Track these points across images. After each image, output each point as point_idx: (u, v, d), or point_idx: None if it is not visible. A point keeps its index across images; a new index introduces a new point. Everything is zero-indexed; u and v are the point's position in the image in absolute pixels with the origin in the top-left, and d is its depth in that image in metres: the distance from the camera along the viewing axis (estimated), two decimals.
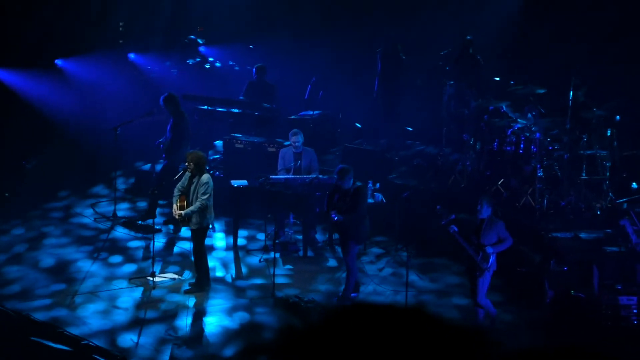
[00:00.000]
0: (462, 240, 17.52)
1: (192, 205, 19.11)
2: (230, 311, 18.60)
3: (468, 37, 26.25)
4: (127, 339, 17.51)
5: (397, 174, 24.52)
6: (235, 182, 21.51)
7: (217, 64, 28.73)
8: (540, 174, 21.94)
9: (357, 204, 18.86)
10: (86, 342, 17.13)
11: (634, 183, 21.52)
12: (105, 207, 23.76)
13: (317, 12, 27.41)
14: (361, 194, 19.09)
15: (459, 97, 24.99)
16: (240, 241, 21.55)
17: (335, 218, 19.20)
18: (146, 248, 21.14)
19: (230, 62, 28.01)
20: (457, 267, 19.86)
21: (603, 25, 24.88)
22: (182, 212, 19.08)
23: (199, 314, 18.69)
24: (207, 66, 28.47)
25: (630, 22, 24.84)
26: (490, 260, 17.28)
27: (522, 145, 22.43)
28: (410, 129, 25.76)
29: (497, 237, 17.41)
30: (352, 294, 19.14)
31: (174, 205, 19.38)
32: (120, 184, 24.57)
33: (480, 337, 2.41)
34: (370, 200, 20.35)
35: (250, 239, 21.97)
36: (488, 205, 17.58)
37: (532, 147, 22.34)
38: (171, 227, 21.81)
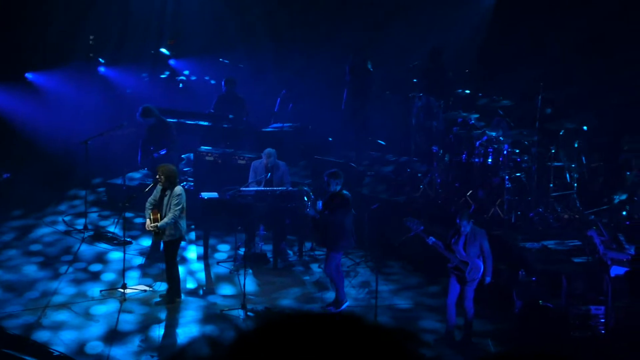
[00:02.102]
0: (445, 251, 17.72)
1: (164, 218, 19.12)
2: (201, 322, 18.60)
3: (436, 46, 26.32)
4: (100, 350, 17.49)
5: (366, 185, 24.53)
6: (206, 195, 21.43)
7: (189, 77, 28.57)
8: (509, 185, 21.99)
9: (332, 209, 18.86)
10: (58, 353, 17.28)
11: (616, 196, 21.36)
12: (77, 219, 23.63)
13: (287, 26, 27.38)
14: (338, 201, 19.00)
15: (428, 110, 24.92)
16: (211, 253, 21.50)
17: (308, 211, 19.51)
18: (117, 260, 20.96)
19: (206, 77, 27.87)
20: (431, 280, 20.05)
21: (572, 40, 24.94)
22: (158, 224, 19.02)
23: (171, 325, 18.67)
24: (182, 79, 28.36)
25: (599, 37, 24.89)
26: (480, 271, 17.60)
27: (490, 157, 22.48)
28: (380, 141, 25.83)
29: (480, 246, 17.64)
30: (329, 308, 19.07)
31: (147, 219, 19.32)
32: (90, 196, 24.48)
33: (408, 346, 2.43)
34: (311, 211, 20.04)
35: (221, 250, 21.91)
36: (467, 220, 17.72)
37: (500, 158, 22.38)
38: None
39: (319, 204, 19.37)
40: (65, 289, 19.93)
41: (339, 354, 2.28)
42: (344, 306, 19.00)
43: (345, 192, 19.18)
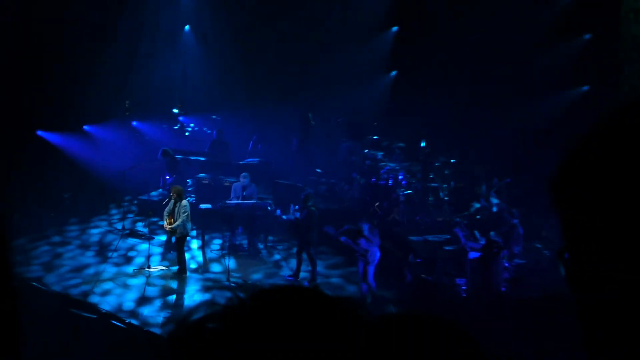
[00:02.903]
0: (353, 245, 17.66)
1: (176, 221, 19.10)
2: (199, 291, 18.34)
3: (354, 113, 26.19)
4: (132, 309, 17.36)
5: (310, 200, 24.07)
6: (203, 206, 21.27)
7: (192, 128, 28.25)
8: (402, 199, 21.99)
9: (308, 216, 18.78)
10: (105, 311, 17.14)
11: (475, 203, 21.30)
12: (117, 223, 23.27)
13: (257, 91, 26.83)
14: (311, 212, 18.89)
15: (350, 149, 24.89)
16: (206, 244, 21.15)
17: (289, 216, 19.71)
18: (144, 250, 20.70)
19: (204, 128, 27.43)
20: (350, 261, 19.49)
21: (439, 106, 24.73)
22: (172, 226, 18.96)
23: (180, 293, 18.45)
24: (188, 129, 27.94)
25: (461, 104, 24.92)
26: (376, 256, 17.52)
27: (390, 180, 22.42)
28: (318, 169, 25.44)
29: (376, 239, 17.59)
30: (289, 277, 18.93)
31: (165, 222, 19.27)
32: (127, 207, 24.14)
33: (357, 307, 2.30)
34: (291, 217, 20.01)
35: (213, 243, 21.53)
36: (365, 222, 17.80)
37: (394, 181, 22.41)
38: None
39: (297, 214, 19.34)
40: (109, 269, 19.70)
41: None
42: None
43: (313, 207, 19.04)
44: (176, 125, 28.12)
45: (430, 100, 24.88)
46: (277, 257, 21.01)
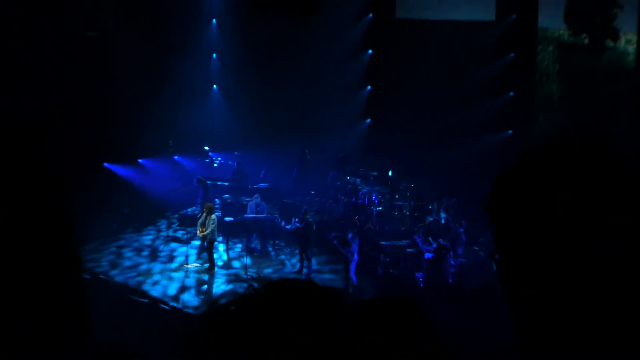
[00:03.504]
0: (340, 248, 17.63)
1: (207, 230, 19.00)
2: (224, 282, 18.15)
3: (339, 150, 25.81)
4: (174, 295, 17.28)
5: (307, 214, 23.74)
6: (227, 218, 20.97)
7: (219, 162, 28.03)
8: (375, 213, 21.80)
9: (307, 226, 18.71)
10: (154, 297, 16.99)
11: (429, 217, 21.06)
12: (163, 231, 23.12)
13: (268, 136, 26.50)
14: (309, 222, 18.85)
15: (336, 177, 24.60)
16: (230, 247, 20.81)
17: (291, 226, 19.34)
18: (183, 251, 20.47)
19: (229, 162, 27.05)
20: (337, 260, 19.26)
21: (410, 137, 24.38)
22: (204, 233, 18.84)
23: (209, 284, 18.25)
24: (216, 162, 27.77)
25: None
26: (355, 256, 17.44)
27: (366, 200, 22.16)
28: (312, 191, 25.17)
29: (356, 244, 17.52)
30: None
31: (198, 230, 19.20)
32: (170, 219, 24.01)
33: (341, 294, 2.17)
34: (293, 227, 19.72)
35: (234, 246, 21.19)
36: (350, 232, 17.85)
37: (371, 200, 22.21)
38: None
39: (298, 224, 19.13)
40: (157, 265, 19.56)
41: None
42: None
43: (310, 219, 18.98)
44: (207, 159, 27.86)
45: (395, 140, 24.68)
46: (282, 257, 20.72)
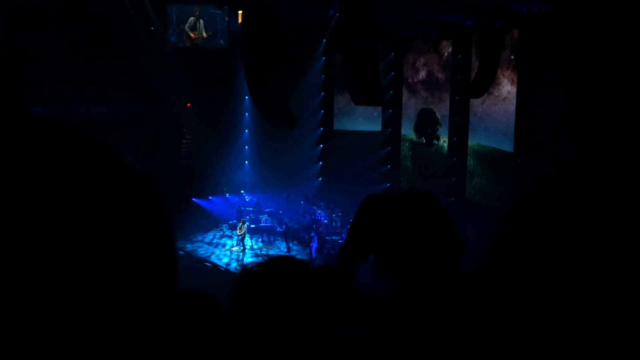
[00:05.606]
0: (308, 240, 19.95)
1: (242, 231, 20.75)
2: (251, 257, 20.06)
3: (291, 195, 24.63)
4: (225, 263, 19.69)
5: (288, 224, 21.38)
6: (252, 225, 21.88)
7: (251, 198, 25.52)
8: (323, 223, 22.03)
9: (284, 230, 20.50)
10: (214, 263, 19.42)
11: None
12: (219, 232, 23.35)
13: (273, 183, 25.24)
14: (285, 229, 20.47)
15: (305, 207, 23.68)
16: (254, 242, 21.69)
17: (278, 229, 21.16)
18: (230, 242, 21.64)
19: (254, 199, 25.06)
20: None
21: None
22: (240, 232, 20.96)
23: (243, 258, 20.24)
24: (247, 198, 25.60)
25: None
26: (314, 245, 19.44)
27: (320, 217, 22.16)
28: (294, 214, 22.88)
29: (316, 238, 19.71)
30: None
31: (237, 231, 21.11)
32: (222, 226, 23.87)
33: (309, 264, 1.68)
34: (282, 229, 21.14)
35: (256, 240, 22.00)
36: (313, 232, 20.13)
37: (321, 218, 22.14)
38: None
39: (284, 227, 20.70)
40: (217, 250, 21.27)
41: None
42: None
43: (290, 225, 20.73)
44: (246, 197, 25.63)
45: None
46: (281, 246, 21.29)
